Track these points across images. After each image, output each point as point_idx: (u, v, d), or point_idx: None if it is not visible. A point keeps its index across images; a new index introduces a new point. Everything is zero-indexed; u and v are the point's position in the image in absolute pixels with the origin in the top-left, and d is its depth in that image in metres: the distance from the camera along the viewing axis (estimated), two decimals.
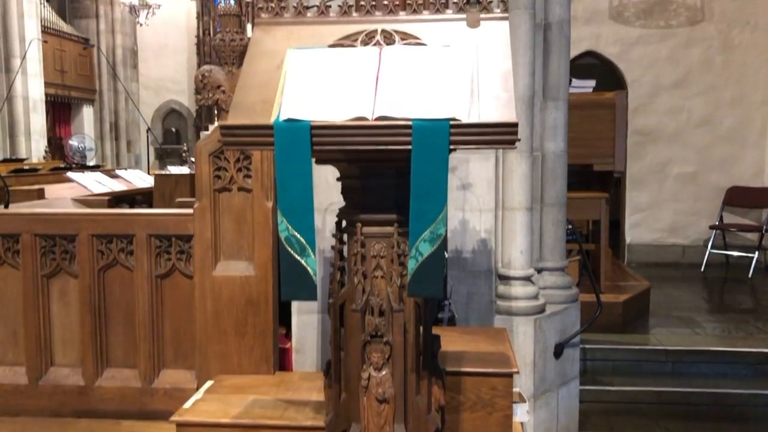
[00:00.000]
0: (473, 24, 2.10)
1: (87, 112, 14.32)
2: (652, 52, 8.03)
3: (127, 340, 3.17)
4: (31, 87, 11.39)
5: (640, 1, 7.99)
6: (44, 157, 11.50)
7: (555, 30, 3.57)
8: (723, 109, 8.20)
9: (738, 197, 8.23)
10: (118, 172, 6.36)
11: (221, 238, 3.05)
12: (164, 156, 14.38)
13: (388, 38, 2.05)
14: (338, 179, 2.16)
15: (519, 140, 1.80)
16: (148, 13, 13.28)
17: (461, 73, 1.90)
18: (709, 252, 8.03)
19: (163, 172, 5.12)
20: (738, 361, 4.98)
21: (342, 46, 2.06)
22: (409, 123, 1.79)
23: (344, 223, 2.16)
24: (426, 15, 2.11)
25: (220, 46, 3.47)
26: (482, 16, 2.10)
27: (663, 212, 8.24)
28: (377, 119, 1.81)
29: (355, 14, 2.14)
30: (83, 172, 5.73)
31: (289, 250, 1.87)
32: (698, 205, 8.25)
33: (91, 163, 12.12)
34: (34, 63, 11.47)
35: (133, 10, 13.33)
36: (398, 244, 2.04)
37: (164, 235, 3.12)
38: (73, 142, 11.47)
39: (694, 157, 8.20)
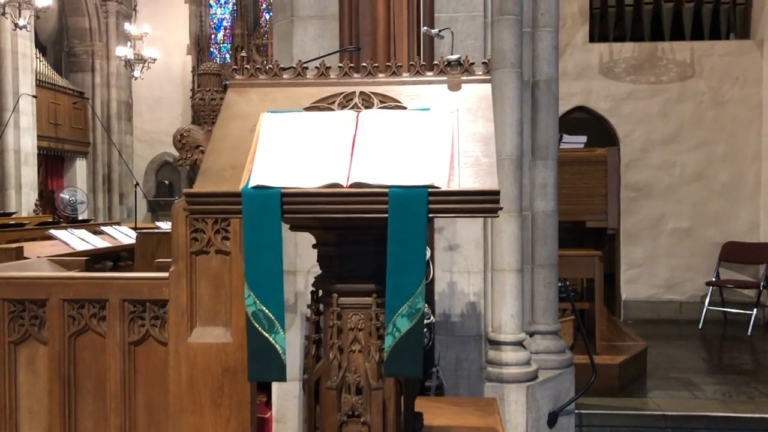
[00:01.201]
0: (454, 87, 2.02)
1: (80, 165, 14.30)
2: (644, 107, 8.05)
3: (98, 411, 3.01)
4: (24, 141, 11.39)
5: (631, 57, 8.05)
6: (35, 211, 11.40)
7: (543, 88, 3.52)
8: (716, 164, 8.18)
9: (734, 253, 8.13)
10: (103, 228, 6.24)
11: (197, 303, 2.92)
12: (157, 209, 14.30)
13: (367, 101, 1.98)
14: (314, 246, 2.06)
15: (501, 209, 1.70)
16: (143, 66, 13.38)
17: (441, 138, 1.81)
18: (707, 309, 7.88)
19: (145, 230, 5.01)
20: (740, 428, 4.80)
21: (318, 108, 1.98)
22: (385, 190, 1.69)
23: (320, 293, 2.05)
24: (406, 77, 2.04)
25: (199, 105, 3.41)
26: (463, 78, 2.03)
27: (658, 268, 8.13)
28: (352, 186, 1.71)
29: (332, 76, 2.07)
30: (67, 229, 5.61)
31: (257, 325, 1.74)
32: (694, 260, 8.15)
33: (82, 217, 12.02)
34: (27, 117, 11.50)
35: (129, 64, 13.43)
36: (377, 316, 1.92)
37: (138, 300, 2.99)
38: (65, 195, 11.38)
39: (689, 212, 8.14)
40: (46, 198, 12.87)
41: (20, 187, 11.29)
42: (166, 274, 2.93)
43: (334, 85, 2.05)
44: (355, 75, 2.05)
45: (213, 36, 15.66)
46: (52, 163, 13.73)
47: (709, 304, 7.87)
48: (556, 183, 3.59)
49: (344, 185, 1.72)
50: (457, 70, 2.04)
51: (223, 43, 15.60)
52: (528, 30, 3.45)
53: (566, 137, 5.55)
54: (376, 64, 2.08)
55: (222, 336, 2.88)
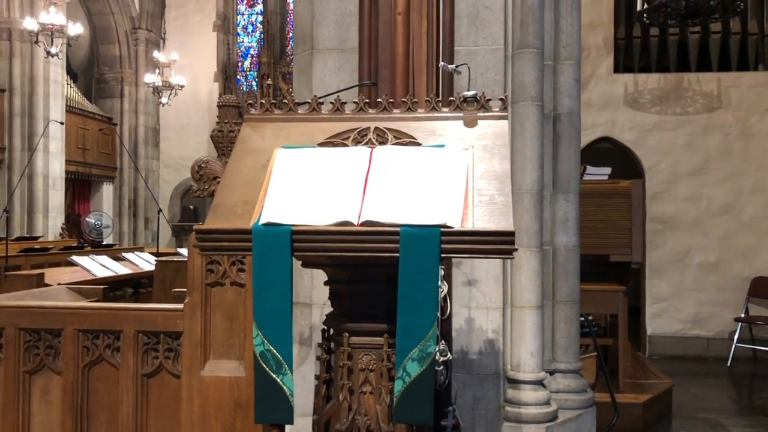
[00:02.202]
0: (470, 123, 1.99)
1: (107, 189, 14.49)
2: (669, 138, 7.93)
3: None
4: (52, 165, 11.57)
5: (656, 88, 7.96)
6: (60, 234, 11.54)
7: (565, 121, 3.48)
8: (744, 197, 8.01)
9: (763, 288, 7.92)
10: (124, 254, 6.28)
11: (211, 335, 2.89)
12: (181, 234, 14.40)
13: (381, 136, 1.95)
14: (326, 283, 2.02)
15: (515, 250, 1.66)
16: (171, 93, 13.58)
17: (455, 176, 1.78)
18: (735, 346, 7.67)
19: (164, 258, 5.01)
20: None
21: (333, 144, 1.95)
22: (397, 229, 1.66)
23: (331, 331, 2.01)
24: (421, 113, 2.01)
25: (217, 137, 3.41)
26: (480, 114, 2.00)
27: (685, 302, 7.94)
28: (363, 224, 1.68)
29: (348, 111, 2.05)
30: (89, 255, 5.65)
31: (264, 366, 1.71)
32: (722, 295, 7.94)
33: (108, 241, 12.14)
34: (56, 142, 11.69)
35: (156, 90, 13.64)
36: (389, 357, 1.88)
37: (153, 332, 2.97)
38: (90, 219, 11.53)
39: (716, 246, 7.96)
40: (73, 221, 13.03)
41: (47, 210, 11.45)
42: (180, 306, 2.92)
43: (348, 120, 2.02)
44: (371, 110, 2.03)
45: (240, 64, 15.87)
46: (80, 187, 13.93)
47: (738, 341, 7.66)
48: (578, 217, 3.53)
49: (355, 223, 1.69)
50: (473, 107, 2.01)
51: (250, 70, 15.80)
52: (549, 63, 3.42)
53: (590, 169, 5.47)
54: (392, 100, 2.05)
55: (235, 370, 2.85)
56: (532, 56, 3.24)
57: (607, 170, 5.55)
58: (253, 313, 1.74)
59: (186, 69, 14.50)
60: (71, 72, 14.09)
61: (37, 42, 10.15)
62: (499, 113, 2.00)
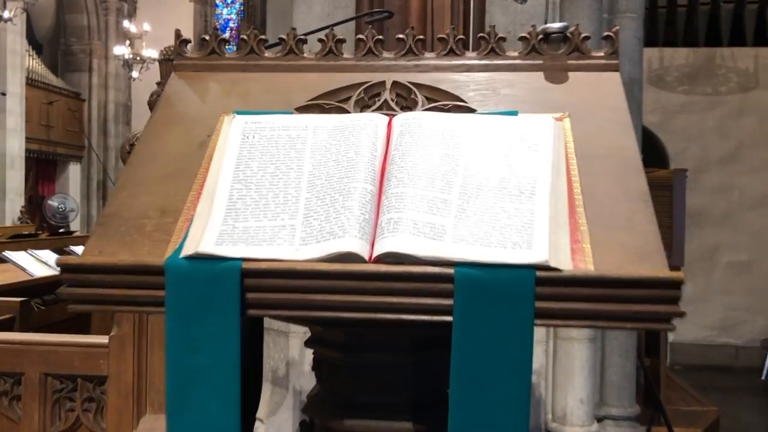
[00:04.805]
0: (556, 75, 1.17)
1: (73, 170, 13.50)
2: (698, 121, 7.10)
3: None
4: (10, 143, 10.59)
5: (684, 65, 7.12)
6: (20, 219, 10.60)
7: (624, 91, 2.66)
8: None
9: None
10: (72, 248, 5.40)
11: (148, 381, 2.09)
12: None
13: (405, 96, 1.14)
14: (308, 344, 1.21)
15: (682, 315, 0.85)
16: (142, 67, 12.57)
17: (545, 167, 0.97)
18: None
19: None
20: None
21: (322, 108, 1.14)
22: (449, 271, 0.84)
23: (315, 427, 1.20)
24: (472, 58, 1.19)
25: (155, 102, 2.58)
26: (572, 62, 1.18)
27: (711, 307, 7.12)
28: (379, 260, 0.87)
29: (347, 55, 1.22)
30: (27, 250, 4.76)
31: None
32: (753, 299, 7.14)
33: (74, 226, 11.21)
34: (15, 117, 10.70)
35: (127, 64, 12.64)
36: None
37: (66, 376, 2.15)
38: (53, 202, 10.55)
39: (748, 244, 7.13)
40: (36, 204, 12.05)
41: (5, 192, 10.48)
42: (105, 340, 2.10)
43: (349, 69, 1.21)
44: (385, 54, 1.20)
45: None
46: (44, 168, 12.93)
47: None
48: None
49: (366, 258, 0.87)
50: (560, 48, 1.19)
51: (229, 44, 14.79)
52: (605, 16, 2.60)
53: None
54: (421, 36, 1.22)
55: None
56: (588, 4, 2.42)
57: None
58: (166, 423, 0.91)
59: (159, 41, 13.37)
60: (35, 43, 13.03)
61: None
62: (605, 59, 1.18)
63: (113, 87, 13.83)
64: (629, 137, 1.07)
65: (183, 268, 0.89)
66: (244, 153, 1.04)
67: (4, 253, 4.55)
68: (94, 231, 1.00)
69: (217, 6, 14.97)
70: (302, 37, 1.25)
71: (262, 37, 1.25)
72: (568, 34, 1.20)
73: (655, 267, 0.86)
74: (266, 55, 1.24)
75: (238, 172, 1.01)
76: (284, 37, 1.24)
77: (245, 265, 0.88)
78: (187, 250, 0.90)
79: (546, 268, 0.85)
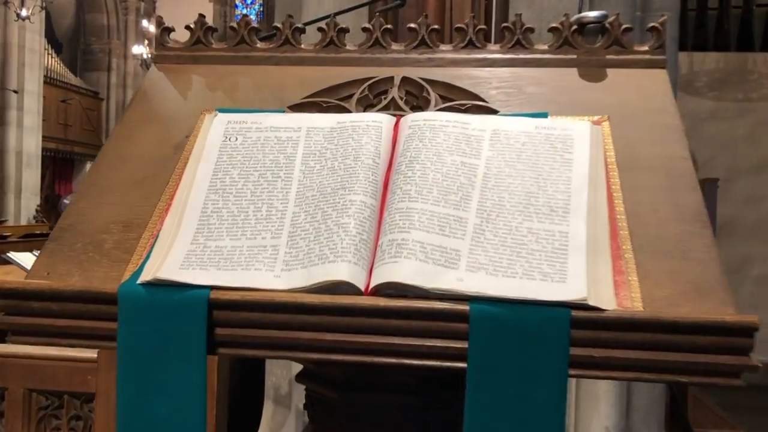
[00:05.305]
0: (592, 73, 1.01)
1: None
2: (728, 129, 6.85)
3: None
4: (27, 141, 10.54)
5: (714, 69, 6.88)
6: (35, 218, 10.56)
7: None
8: None
9: None
10: None
11: None
12: None
13: (416, 95, 0.98)
14: (299, 378, 1.05)
15: (758, 368, 0.67)
16: None
17: (576, 184, 0.80)
18: None
19: None
20: None
21: (319, 107, 0.98)
22: (464, 308, 0.68)
23: None
24: (494, 51, 1.03)
25: None
26: (611, 57, 1.01)
27: None
28: (377, 291, 0.70)
29: (350, 47, 1.06)
30: (33, 251, 4.64)
31: None
32: None
33: None
34: (32, 116, 10.66)
35: (145, 63, 12.61)
36: None
37: (52, 392, 2.01)
38: (67, 201, 10.50)
39: None
40: (52, 203, 12.02)
41: (20, 191, 10.44)
42: (93, 354, 1.95)
43: (352, 63, 1.05)
44: (394, 46, 1.04)
45: None
46: (61, 166, 12.92)
47: None
48: None
49: (362, 288, 0.71)
50: (597, 41, 1.03)
51: None
52: (638, 14, 2.42)
53: None
54: (436, 26, 1.06)
55: None
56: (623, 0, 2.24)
57: None
58: None
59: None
60: (56, 42, 13.04)
61: (6, 3, 9.09)
62: (649, 54, 1.02)
63: (131, 86, 13.79)
64: (680, 145, 0.90)
65: (139, 296, 0.73)
66: (224, 157, 0.89)
67: (9, 253, 4.43)
68: (45, 248, 0.85)
69: (236, 6, 14.92)
70: (300, 26, 1.09)
71: (254, 25, 1.10)
72: (607, 25, 1.03)
73: (718, 305, 0.69)
74: (258, 45, 1.09)
75: (215, 180, 0.86)
76: (279, 25, 1.09)
77: (214, 294, 0.73)
78: (146, 274, 0.74)
79: (584, 306, 0.68)
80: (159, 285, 0.74)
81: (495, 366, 0.69)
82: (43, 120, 11.18)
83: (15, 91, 9.59)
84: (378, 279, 0.72)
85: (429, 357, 0.72)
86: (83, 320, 0.76)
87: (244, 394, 2.27)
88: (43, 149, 11.29)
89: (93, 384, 1.97)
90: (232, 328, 0.74)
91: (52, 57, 12.11)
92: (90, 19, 13.84)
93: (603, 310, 0.68)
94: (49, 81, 11.71)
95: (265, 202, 0.83)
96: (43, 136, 11.23)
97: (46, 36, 11.32)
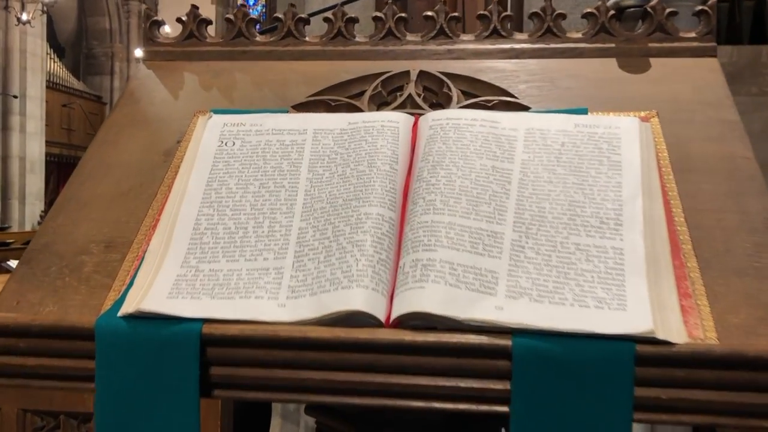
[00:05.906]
0: (635, 63, 0.89)
1: None
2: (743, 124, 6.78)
3: None
4: (30, 147, 10.46)
5: (727, 63, 6.78)
6: (39, 223, 10.48)
7: None
8: None
9: None
10: None
11: None
12: None
13: (435, 91, 0.87)
14: (308, 411, 0.93)
15: None
16: None
17: (628, 191, 0.69)
18: None
19: None
20: None
21: (327, 106, 0.87)
22: (505, 343, 0.56)
23: None
24: (522, 41, 0.92)
25: None
26: (654, 45, 0.90)
27: None
28: (402, 324, 0.59)
29: (360, 38, 0.95)
30: None
31: None
32: None
33: None
34: (35, 121, 10.58)
35: None
36: None
37: (48, 412, 1.88)
38: None
39: None
40: None
41: (24, 196, 10.36)
42: None
43: (363, 57, 0.94)
44: (410, 37, 0.93)
45: None
46: (65, 172, 12.81)
47: None
48: None
49: (381, 319, 0.59)
50: (637, 27, 0.91)
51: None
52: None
53: None
54: (456, 14, 0.95)
55: None
56: None
57: None
58: None
59: None
60: (58, 46, 12.96)
61: (6, 7, 9.01)
62: (698, 41, 0.90)
63: None
64: (742, 143, 0.79)
65: (120, 331, 0.62)
66: (220, 165, 0.78)
67: (9, 261, 4.35)
68: (16, 272, 0.74)
69: (238, 8, 14.80)
70: (304, 16, 0.98)
71: (253, 16, 0.99)
72: (649, 9, 0.92)
73: None
74: (258, 39, 0.98)
75: (210, 192, 0.75)
76: (281, 16, 0.98)
77: (207, 328, 0.62)
78: (128, 305, 0.63)
79: (650, 340, 0.57)
80: (143, 318, 0.62)
81: (544, 411, 0.58)
82: (46, 125, 11.11)
83: (15, 96, 9.50)
84: (401, 308, 0.61)
85: (463, 400, 0.61)
86: (56, 359, 0.66)
87: (250, 408, 2.17)
88: (47, 154, 11.21)
89: (90, 403, 1.87)
90: (230, 367, 0.63)
91: (54, 61, 12.03)
92: (92, 23, 13.75)
93: (672, 345, 0.57)
94: (52, 85, 11.64)
95: (266, 216, 0.72)
96: (47, 141, 11.15)
97: (48, 40, 11.25)
